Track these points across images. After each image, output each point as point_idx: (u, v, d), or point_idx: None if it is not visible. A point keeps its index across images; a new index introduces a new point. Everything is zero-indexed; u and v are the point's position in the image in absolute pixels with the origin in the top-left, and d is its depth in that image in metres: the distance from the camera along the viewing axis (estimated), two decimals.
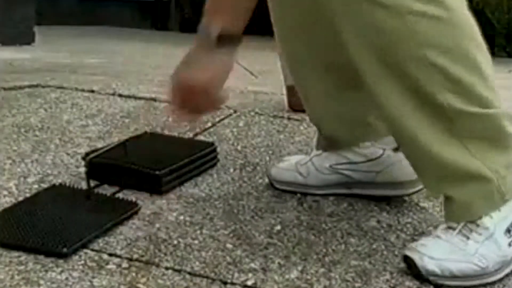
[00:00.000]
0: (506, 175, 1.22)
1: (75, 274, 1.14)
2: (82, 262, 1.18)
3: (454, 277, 1.21)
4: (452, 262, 1.21)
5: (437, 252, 1.22)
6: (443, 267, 1.20)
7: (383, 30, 1.18)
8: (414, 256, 1.22)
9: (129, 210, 1.37)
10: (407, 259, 1.23)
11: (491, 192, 1.22)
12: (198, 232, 1.33)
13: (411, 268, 1.23)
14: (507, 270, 1.24)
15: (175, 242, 1.28)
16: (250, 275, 1.19)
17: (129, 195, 1.45)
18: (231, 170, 1.68)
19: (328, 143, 1.55)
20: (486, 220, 1.22)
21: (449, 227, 1.24)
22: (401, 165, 1.46)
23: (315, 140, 1.60)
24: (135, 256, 1.22)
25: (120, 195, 1.46)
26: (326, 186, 1.54)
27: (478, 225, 1.22)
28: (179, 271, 1.18)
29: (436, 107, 1.20)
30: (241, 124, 2.02)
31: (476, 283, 1.22)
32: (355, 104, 1.48)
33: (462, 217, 1.24)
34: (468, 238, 1.22)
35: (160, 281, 1.15)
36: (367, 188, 1.53)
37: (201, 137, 1.90)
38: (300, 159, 1.58)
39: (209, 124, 2.00)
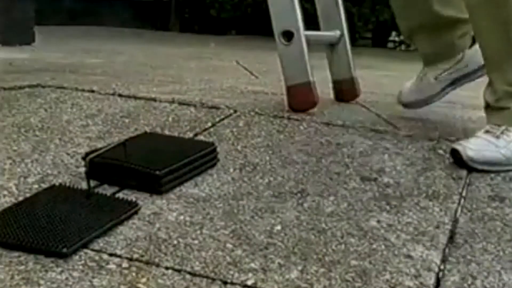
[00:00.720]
0: None
1: (75, 274, 1.14)
2: (82, 262, 1.18)
3: (485, 162, 1.78)
4: (486, 151, 1.79)
5: (476, 144, 1.80)
6: (479, 154, 1.78)
7: None
8: (459, 147, 1.80)
9: (129, 210, 1.37)
10: (453, 151, 1.81)
11: None
12: (198, 232, 1.33)
13: (455, 157, 1.80)
14: None
15: (175, 242, 1.28)
16: (250, 275, 1.19)
17: (129, 195, 1.45)
18: (231, 170, 1.68)
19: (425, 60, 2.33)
20: None
21: (487, 131, 1.84)
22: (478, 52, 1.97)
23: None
24: (135, 256, 1.22)
25: (120, 195, 1.46)
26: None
27: (509, 130, 1.81)
28: (179, 271, 1.18)
29: None
30: (241, 124, 2.03)
31: (499, 168, 1.78)
32: (448, 28, 2.20)
33: (506, 123, 1.83)
34: (499, 138, 1.80)
35: (160, 281, 1.15)
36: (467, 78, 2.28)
37: (201, 137, 1.90)
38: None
39: (209, 124, 2.00)
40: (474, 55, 2.17)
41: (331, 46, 2.56)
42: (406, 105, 2.44)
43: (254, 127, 2.01)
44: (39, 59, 3.45)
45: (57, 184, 1.49)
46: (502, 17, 1.80)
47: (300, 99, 2.23)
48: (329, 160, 1.79)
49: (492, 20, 1.83)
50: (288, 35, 2.23)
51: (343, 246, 1.33)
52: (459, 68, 2.31)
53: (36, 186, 1.49)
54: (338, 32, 2.53)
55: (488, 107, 1.91)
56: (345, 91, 2.58)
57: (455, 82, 2.36)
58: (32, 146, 1.72)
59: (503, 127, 1.83)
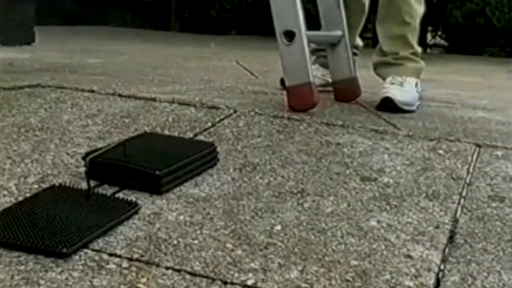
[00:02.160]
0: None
1: (75, 274, 1.14)
2: (82, 262, 1.18)
3: (407, 104, 2.49)
4: (405, 95, 2.51)
5: (402, 92, 2.51)
6: (403, 98, 2.48)
7: None
8: (391, 96, 2.47)
9: (129, 210, 1.37)
10: (386, 99, 2.47)
11: (421, 68, 2.66)
12: (198, 232, 1.33)
13: (387, 103, 2.46)
14: (417, 103, 2.58)
15: (175, 242, 1.28)
16: (250, 275, 1.19)
17: (129, 195, 1.45)
18: (231, 170, 1.68)
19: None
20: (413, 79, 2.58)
21: (392, 83, 2.53)
22: None
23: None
24: (135, 256, 1.22)
25: (120, 195, 1.46)
26: None
27: (408, 80, 2.55)
28: (179, 271, 1.18)
29: None
30: (241, 124, 2.03)
31: (408, 108, 2.50)
32: None
33: (411, 75, 2.58)
34: (403, 85, 2.52)
35: (160, 281, 1.15)
36: None
37: (201, 137, 1.90)
38: None
39: (209, 124, 2.00)
40: None
41: (332, 46, 2.56)
42: None
43: (254, 127, 2.01)
44: (39, 59, 3.45)
45: (57, 184, 1.49)
46: None
47: (300, 99, 2.23)
48: (329, 160, 1.79)
49: None
50: (289, 35, 2.22)
51: (343, 246, 1.33)
52: None
53: (36, 186, 1.49)
54: (339, 33, 2.53)
55: (387, 63, 2.62)
56: (345, 91, 2.59)
57: None
58: (32, 146, 1.72)
59: (403, 77, 2.54)
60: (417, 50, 2.64)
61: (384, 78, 2.62)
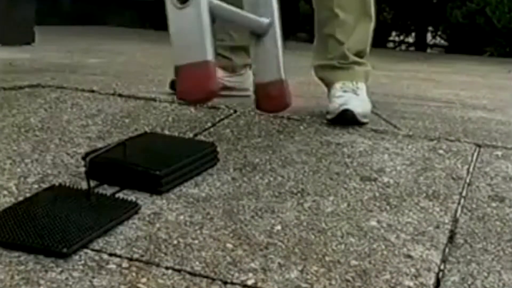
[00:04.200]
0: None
1: (75, 274, 1.14)
2: (82, 262, 1.18)
3: (365, 116, 2.10)
4: (365, 106, 2.15)
5: (360, 102, 2.12)
6: (364, 109, 2.11)
7: None
8: (350, 107, 2.05)
9: (129, 210, 1.37)
10: (348, 111, 2.05)
11: (370, 71, 2.26)
12: (198, 232, 1.33)
13: (347, 115, 2.05)
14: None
15: (175, 242, 1.28)
16: (250, 275, 1.19)
17: (129, 195, 1.45)
18: (231, 170, 1.68)
19: None
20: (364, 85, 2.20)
21: (345, 90, 2.14)
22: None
23: None
24: (135, 256, 1.22)
25: (120, 195, 1.46)
26: None
27: (359, 86, 2.18)
28: (179, 271, 1.18)
29: None
30: (241, 124, 2.03)
31: (365, 120, 2.11)
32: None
33: (362, 80, 2.20)
34: (357, 93, 2.15)
35: (160, 281, 1.15)
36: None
37: (201, 137, 1.90)
38: None
39: (209, 124, 2.00)
40: None
41: (257, 36, 1.90)
42: None
43: (254, 127, 2.01)
44: (39, 59, 3.45)
45: (57, 184, 1.49)
46: None
47: (193, 84, 1.57)
48: (329, 160, 1.79)
49: None
50: None
51: (343, 246, 1.33)
52: None
53: (36, 186, 1.49)
54: (265, 20, 1.86)
55: (333, 67, 2.20)
56: (272, 97, 1.92)
57: None
58: (32, 146, 1.72)
59: (355, 83, 2.17)
60: (367, 52, 2.28)
61: (328, 84, 2.23)
